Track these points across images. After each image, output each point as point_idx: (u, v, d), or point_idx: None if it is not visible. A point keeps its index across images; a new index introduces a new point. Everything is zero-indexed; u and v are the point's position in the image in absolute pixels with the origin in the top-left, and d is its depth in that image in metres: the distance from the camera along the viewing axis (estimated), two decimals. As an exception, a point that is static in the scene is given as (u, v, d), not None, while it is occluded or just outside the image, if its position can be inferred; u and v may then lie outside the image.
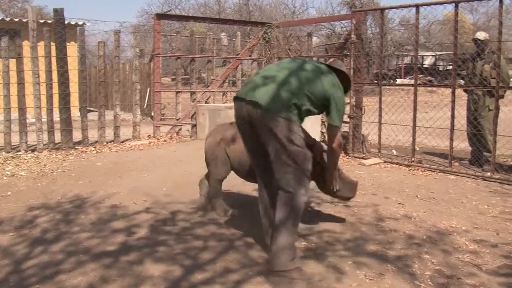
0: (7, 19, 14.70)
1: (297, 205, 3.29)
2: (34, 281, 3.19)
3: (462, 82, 7.77)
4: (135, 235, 4.11)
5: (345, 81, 3.76)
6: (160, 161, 7.25)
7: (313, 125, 8.34)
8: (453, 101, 6.72)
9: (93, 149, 8.19)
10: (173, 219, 4.47)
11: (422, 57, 28.52)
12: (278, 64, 3.68)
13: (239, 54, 10.25)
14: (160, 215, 4.67)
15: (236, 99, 3.55)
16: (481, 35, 7.19)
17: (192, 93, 9.87)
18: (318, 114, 3.63)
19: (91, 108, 10.38)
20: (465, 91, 7.31)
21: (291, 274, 3.19)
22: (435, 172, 6.77)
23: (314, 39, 21.05)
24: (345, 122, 8.47)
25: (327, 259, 3.61)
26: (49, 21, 12.67)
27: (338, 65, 3.81)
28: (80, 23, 14.47)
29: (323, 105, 3.50)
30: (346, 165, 7.33)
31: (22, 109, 7.98)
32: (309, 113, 3.47)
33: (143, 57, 14.30)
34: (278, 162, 3.32)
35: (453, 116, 6.72)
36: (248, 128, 3.51)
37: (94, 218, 4.56)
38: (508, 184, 6.08)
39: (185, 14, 28.88)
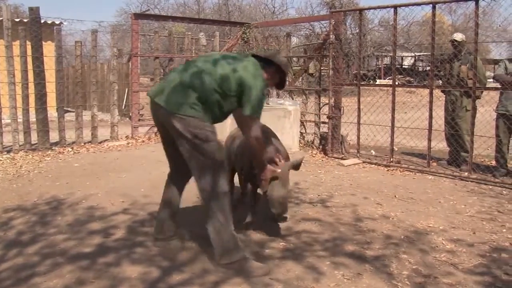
0: (-18, 17, 14.41)
1: (219, 198, 3.34)
2: (8, 284, 3.13)
3: (440, 82, 7.85)
4: (112, 236, 4.05)
5: (279, 74, 3.74)
6: (138, 162, 7.18)
7: (292, 127, 8.36)
8: (431, 102, 6.80)
9: (70, 150, 8.08)
10: (151, 220, 4.41)
11: (402, 57, 28.87)
12: (190, 62, 3.62)
13: (218, 54, 10.22)
14: (138, 216, 4.62)
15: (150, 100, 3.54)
16: (458, 36, 7.28)
17: (171, 93, 9.80)
18: (239, 106, 3.53)
19: (69, 109, 10.24)
20: (443, 91, 7.40)
21: (238, 264, 3.33)
22: (414, 172, 6.84)
23: (294, 39, 21.13)
24: (324, 123, 8.53)
25: (305, 260, 3.61)
26: (25, 20, 12.46)
27: (272, 57, 3.73)
28: (57, 22, 14.26)
29: (240, 96, 3.42)
30: (325, 165, 7.36)
31: (-2, 110, 7.82)
32: (224, 106, 3.44)
33: (121, 57, 14.15)
34: (191, 160, 3.37)
35: (431, 117, 6.80)
36: (161, 129, 3.57)
37: (71, 219, 4.49)
38: (485, 184, 6.17)
39: (164, 14, 28.67)
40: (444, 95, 7.41)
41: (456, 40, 7.15)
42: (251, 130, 3.45)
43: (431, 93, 6.78)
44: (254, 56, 3.67)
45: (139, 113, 9.57)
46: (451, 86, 7.08)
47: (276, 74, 3.72)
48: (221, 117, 3.52)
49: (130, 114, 10.41)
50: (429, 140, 6.87)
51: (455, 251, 3.85)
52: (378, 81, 22.72)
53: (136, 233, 4.14)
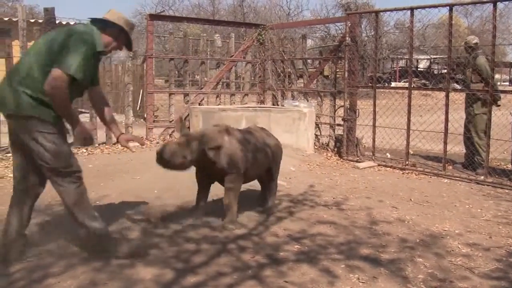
0: (-3, 18, 14.60)
1: (74, 197, 3.41)
2: (22, 284, 3.14)
3: (456, 85, 7.78)
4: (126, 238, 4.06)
5: (124, 33, 3.59)
6: (152, 163, 7.08)
7: (307, 130, 8.32)
8: (447, 105, 6.74)
9: (84, 151, 8.12)
10: (165, 222, 4.42)
11: (417, 60, 28.63)
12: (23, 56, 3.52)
13: (233, 56, 10.23)
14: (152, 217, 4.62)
15: None
16: (473, 40, 7.19)
17: (186, 95, 9.82)
18: (93, 84, 3.61)
19: (82, 110, 10.30)
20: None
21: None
22: (429, 176, 6.78)
23: (309, 41, 21.07)
24: (339, 125, 8.48)
25: (320, 263, 3.59)
26: (40, 21, 12.57)
27: (111, 17, 3.55)
28: (71, 22, 14.40)
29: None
30: (340, 168, 7.32)
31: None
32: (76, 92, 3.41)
33: (136, 59, 14.24)
34: (40, 166, 3.38)
35: (447, 120, 6.73)
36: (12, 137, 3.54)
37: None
38: (501, 188, 6.09)
39: (179, 15, 28.81)
40: (460, 98, 7.36)
41: (469, 44, 7.07)
42: (52, 79, 3.18)
43: (447, 96, 6.71)
44: (93, 21, 3.55)
45: (153, 114, 9.60)
46: (464, 89, 7.01)
47: (121, 34, 3.59)
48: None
49: (145, 116, 10.46)
50: (445, 143, 6.81)
51: (471, 255, 3.81)
52: (393, 84, 22.58)
53: (149, 234, 4.14)
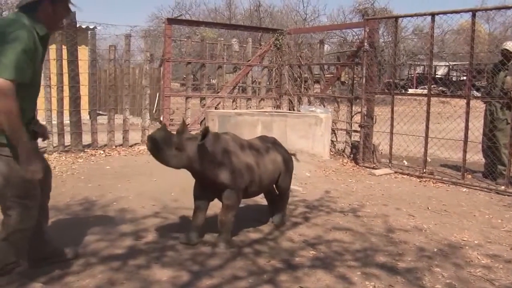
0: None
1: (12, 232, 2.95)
2: (42, 281, 3.17)
3: (476, 93, 7.67)
4: (143, 239, 4.08)
5: (58, 2, 3.08)
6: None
7: (323, 135, 8.29)
8: (467, 112, 6.64)
9: (102, 152, 8.19)
10: (181, 224, 4.43)
11: (435, 67, 28.37)
12: None
13: (250, 60, 10.24)
14: (168, 220, 4.64)
15: None
16: (509, 45, 7.02)
17: (202, 98, 9.85)
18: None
19: (100, 112, 10.39)
20: (485, 102, 7.20)
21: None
22: (447, 184, 6.69)
23: (326, 47, 21.01)
24: (356, 131, 8.44)
25: (336, 269, 3.57)
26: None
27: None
28: (91, 26, 14.56)
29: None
30: (356, 174, 7.28)
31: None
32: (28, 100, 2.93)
33: (153, 62, 14.33)
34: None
35: (467, 128, 6.64)
36: None
37: (102, 221, 4.53)
38: (522, 199, 5.98)
39: (195, 19, 28.97)
40: (480, 106, 7.23)
41: (507, 49, 6.93)
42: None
43: (468, 104, 6.62)
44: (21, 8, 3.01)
45: (170, 117, 9.64)
46: (490, 97, 6.89)
47: (50, 6, 3.02)
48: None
49: (161, 119, 10.50)
50: (464, 151, 6.71)
51: (491, 266, 3.74)
52: (410, 91, 22.42)
53: (166, 236, 4.15)
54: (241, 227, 4.42)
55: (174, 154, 3.62)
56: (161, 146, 3.57)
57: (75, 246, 3.75)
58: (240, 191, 3.97)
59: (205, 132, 3.68)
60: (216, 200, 4.07)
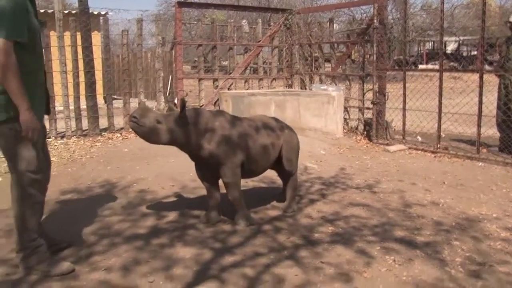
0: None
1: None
2: (70, 261, 3.27)
3: (487, 67, 7.60)
4: (164, 219, 4.17)
5: None
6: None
7: (336, 113, 8.30)
8: (480, 86, 6.61)
9: (119, 135, 8.29)
10: (201, 203, 4.49)
11: (445, 42, 28.00)
12: None
13: (260, 41, 10.22)
14: (188, 199, 4.73)
15: None
16: None
17: (215, 80, 9.89)
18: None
19: (115, 96, 10.47)
20: (498, 76, 7.15)
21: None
22: (462, 159, 6.69)
23: (335, 25, 20.83)
24: (368, 108, 8.44)
25: (355, 244, 3.62)
26: (73, 11, 12.78)
27: None
28: (103, 12, 14.62)
29: None
30: (371, 151, 7.30)
31: (50, 97, 8.07)
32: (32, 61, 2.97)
33: (164, 45, 14.36)
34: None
35: (480, 102, 6.61)
36: None
37: (124, 202, 4.63)
38: (539, 171, 5.97)
39: (205, 2, 28.76)
40: (494, 80, 7.18)
41: (510, 22, 6.90)
42: None
43: (481, 78, 6.59)
44: None
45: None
46: (505, 70, 6.84)
47: None
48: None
49: (175, 101, 10.56)
50: (479, 125, 6.69)
51: (511, 239, 3.76)
52: (421, 67, 22.20)
53: (187, 216, 4.24)
54: (259, 205, 4.51)
55: (155, 127, 3.63)
56: (141, 122, 3.60)
57: (98, 229, 3.85)
58: (235, 166, 3.92)
59: (183, 103, 3.68)
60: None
